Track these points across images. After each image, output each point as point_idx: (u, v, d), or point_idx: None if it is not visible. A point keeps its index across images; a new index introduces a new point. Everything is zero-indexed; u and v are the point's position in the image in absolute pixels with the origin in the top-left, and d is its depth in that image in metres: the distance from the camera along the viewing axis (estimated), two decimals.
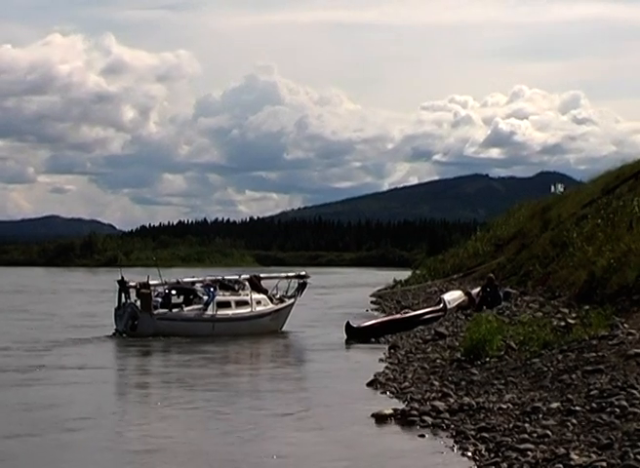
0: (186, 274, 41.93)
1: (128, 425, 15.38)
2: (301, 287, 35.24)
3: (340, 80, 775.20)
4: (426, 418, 14.76)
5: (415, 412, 15.14)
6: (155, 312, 31.31)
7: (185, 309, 32.09)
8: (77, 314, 41.02)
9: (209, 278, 34.59)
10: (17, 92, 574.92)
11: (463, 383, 17.43)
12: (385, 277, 69.42)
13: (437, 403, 15.60)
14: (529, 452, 11.71)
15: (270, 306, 33.80)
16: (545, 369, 16.62)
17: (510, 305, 29.01)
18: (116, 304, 32.21)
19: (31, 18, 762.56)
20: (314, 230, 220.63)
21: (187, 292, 33.08)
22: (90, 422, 15.51)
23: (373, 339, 29.05)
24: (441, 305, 32.48)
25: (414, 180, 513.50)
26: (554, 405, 13.95)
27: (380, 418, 15.25)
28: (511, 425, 13.35)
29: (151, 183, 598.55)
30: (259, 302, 33.33)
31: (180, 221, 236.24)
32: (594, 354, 16.42)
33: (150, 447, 13.50)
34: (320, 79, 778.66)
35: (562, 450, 11.45)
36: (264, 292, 34.27)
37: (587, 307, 22.04)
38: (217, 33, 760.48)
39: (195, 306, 32.12)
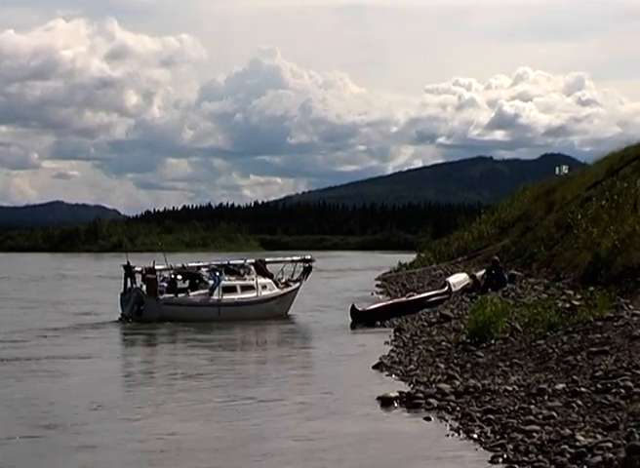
0: (192, 259, 41.94)
1: (136, 421, 14.56)
2: (307, 271, 35.28)
3: (345, 63, 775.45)
4: (432, 401, 14.80)
5: (420, 395, 15.19)
6: (161, 297, 31.37)
7: (191, 294, 32.15)
8: (82, 300, 41.06)
9: (214, 263, 34.66)
10: (20, 77, 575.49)
11: (469, 365, 17.47)
12: (390, 260, 69.42)
13: (443, 385, 15.64)
14: (534, 434, 11.75)
15: (276, 290, 33.86)
16: (550, 350, 16.66)
17: (515, 287, 29.03)
18: (122, 289, 32.30)
19: (34, 3, 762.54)
20: (319, 214, 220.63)
21: (193, 277, 33.15)
22: (96, 418, 14.72)
23: (378, 323, 29.09)
24: (446, 288, 32.48)
25: (418, 163, 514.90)
26: (559, 386, 13.99)
27: (386, 401, 15.29)
28: (517, 407, 13.39)
29: (155, 168, 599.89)
30: (264, 287, 33.38)
31: (184, 206, 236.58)
32: (599, 335, 16.46)
33: (156, 444, 12.85)
34: (324, 62, 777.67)
35: (567, 432, 11.50)
36: (270, 276, 34.31)
37: (592, 289, 22.05)
38: (220, 17, 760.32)
39: (201, 291, 32.18)
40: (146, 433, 13.56)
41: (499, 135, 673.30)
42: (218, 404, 16.00)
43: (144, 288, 31.64)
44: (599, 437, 11.09)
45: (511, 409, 13.37)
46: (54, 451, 12.69)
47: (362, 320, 29.74)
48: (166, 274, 32.66)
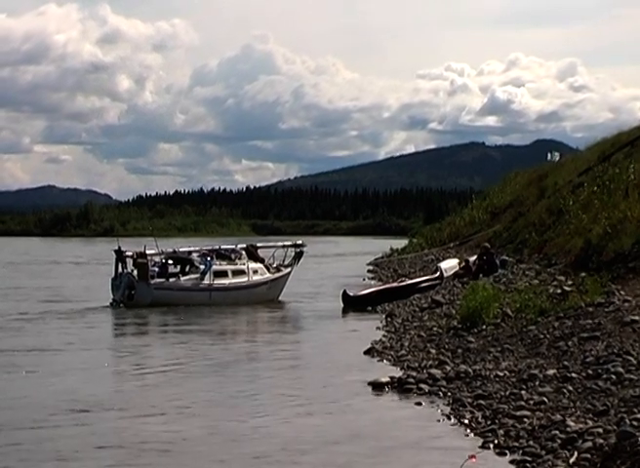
0: (183, 244, 41.81)
1: (120, 422, 13.38)
2: (298, 256, 35.26)
3: (338, 49, 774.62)
4: (423, 386, 14.80)
5: (411, 380, 15.19)
6: (152, 282, 31.34)
7: (182, 279, 32.15)
8: (73, 285, 40.95)
9: (205, 247, 34.63)
10: (12, 62, 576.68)
11: (460, 351, 17.47)
12: (382, 246, 69.40)
13: (434, 370, 15.64)
14: (525, 419, 11.75)
15: (267, 275, 33.84)
16: (542, 336, 16.66)
17: (507, 273, 29.01)
18: (113, 274, 32.23)
19: None
20: (311, 199, 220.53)
21: (184, 262, 33.13)
22: (74, 421, 13.41)
23: (369, 308, 29.13)
24: (438, 273, 32.50)
25: (410, 149, 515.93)
26: (550, 372, 13.99)
27: (377, 386, 15.29)
28: (508, 392, 13.39)
29: (147, 153, 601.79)
30: (255, 272, 33.37)
31: (176, 191, 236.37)
32: (590, 321, 16.45)
33: (138, 449, 11.78)
34: (317, 48, 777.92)
35: (558, 417, 11.50)
36: (261, 261, 34.29)
37: (583, 274, 22.04)
38: (212, 2, 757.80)
39: (192, 276, 32.18)
40: (129, 436, 12.45)
41: (491, 120, 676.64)
42: (208, 399, 15.14)
43: (136, 272, 31.61)
44: (590, 422, 11.09)
45: (502, 394, 13.37)
46: (18, 461, 11.30)
47: (353, 305, 29.76)
48: (157, 259, 32.64)
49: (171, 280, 31.94)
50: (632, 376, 12.68)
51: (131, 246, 34.27)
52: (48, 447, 11.97)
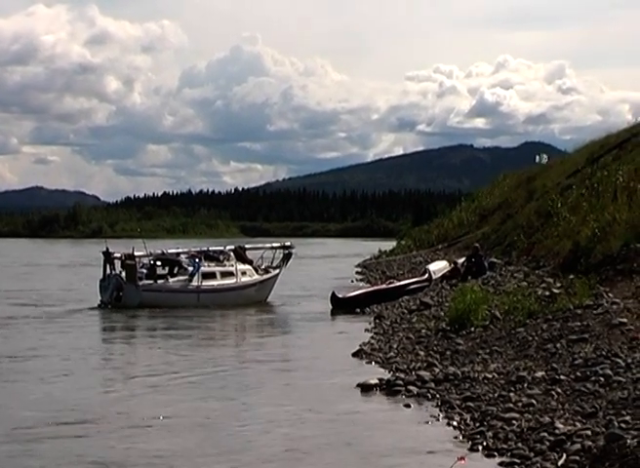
0: (171, 245, 41.69)
1: (111, 431, 12.75)
2: (287, 257, 35.25)
3: (326, 50, 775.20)
4: (412, 388, 14.80)
5: (400, 382, 15.18)
6: (140, 283, 31.27)
7: (171, 280, 32.07)
8: (61, 287, 40.80)
9: (194, 249, 34.57)
10: (0, 62, 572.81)
11: (449, 353, 17.47)
12: (371, 247, 69.46)
13: (422, 372, 15.65)
14: (514, 421, 11.75)
15: (255, 277, 33.81)
16: (530, 338, 16.67)
17: (495, 275, 29.05)
18: (101, 276, 32.14)
19: None
20: (299, 201, 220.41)
21: (172, 264, 33.06)
22: (49, 434, 12.55)
23: (358, 310, 29.10)
24: (426, 275, 32.53)
25: (399, 151, 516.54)
26: (539, 374, 14.00)
27: (366, 388, 15.28)
28: (496, 394, 13.39)
29: (136, 154, 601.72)
30: (244, 273, 33.34)
31: (164, 192, 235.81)
32: (579, 323, 16.47)
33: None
34: (306, 49, 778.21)
35: (547, 419, 11.50)
36: (250, 262, 34.26)
37: (572, 277, 22.06)
38: (201, 3, 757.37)
39: (180, 277, 32.11)
40: (112, 450, 11.73)
41: (479, 122, 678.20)
42: (196, 408, 14.45)
43: (124, 274, 31.54)
44: (578, 425, 11.10)
45: (491, 396, 13.37)
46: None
47: (342, 307, 29.72)
48: (145, 260, 32.57)
49: (159, 281, 31.85)
50: (620, 378, 12.70)
51: (119, 247, 34.16)
52: (24, 462, 11.24)
